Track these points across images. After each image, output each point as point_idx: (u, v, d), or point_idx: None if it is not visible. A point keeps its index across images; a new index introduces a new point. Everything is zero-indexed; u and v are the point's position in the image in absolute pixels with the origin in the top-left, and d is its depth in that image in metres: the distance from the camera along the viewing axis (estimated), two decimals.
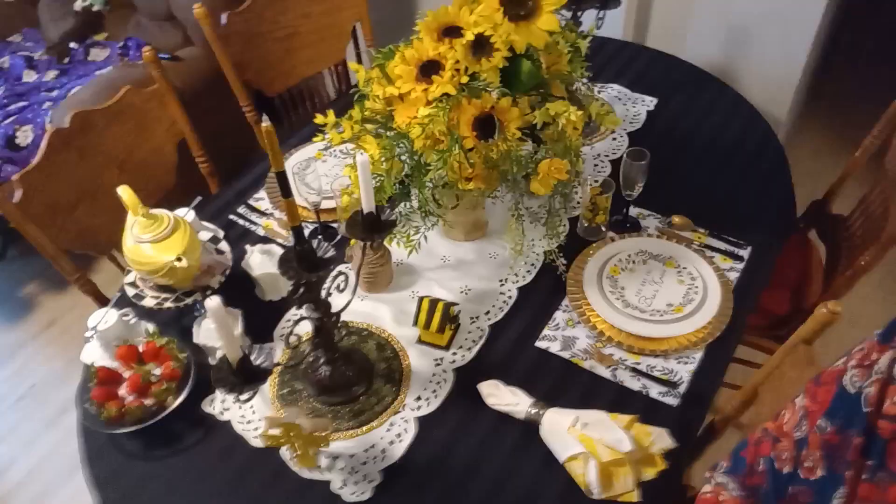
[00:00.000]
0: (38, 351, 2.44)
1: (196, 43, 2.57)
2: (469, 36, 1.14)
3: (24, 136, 2.27)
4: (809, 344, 1.01)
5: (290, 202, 0.99)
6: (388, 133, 1.28)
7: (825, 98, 2.91)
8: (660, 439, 1.14)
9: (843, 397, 0.78)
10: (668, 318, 1.30)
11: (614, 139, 1.74)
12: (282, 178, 0.96)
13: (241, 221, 1.61)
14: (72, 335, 2.48)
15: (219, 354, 1.12)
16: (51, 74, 2.59)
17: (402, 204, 1.35)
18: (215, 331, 1.25)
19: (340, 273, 1.22)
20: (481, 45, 1.15)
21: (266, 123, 0.92)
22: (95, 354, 1.29)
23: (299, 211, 1.57)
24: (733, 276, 1.39)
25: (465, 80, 1.17)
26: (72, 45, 2.65)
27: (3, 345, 2.47)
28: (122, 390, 1.23)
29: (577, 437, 1.13)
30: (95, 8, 2.68)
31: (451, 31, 1.20)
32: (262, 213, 1.63)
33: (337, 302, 1.17)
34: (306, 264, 1.06)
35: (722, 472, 0.96)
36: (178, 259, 1.21)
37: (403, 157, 1.24)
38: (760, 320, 1.64)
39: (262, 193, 1.68)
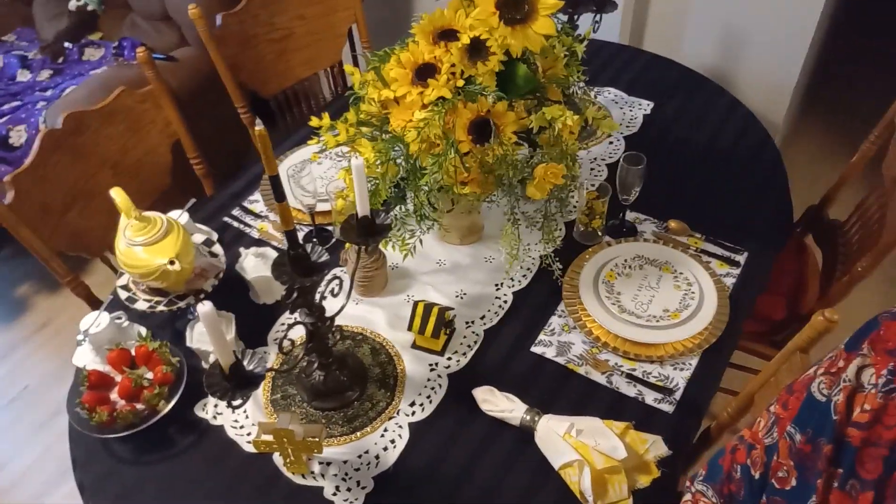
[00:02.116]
0: (31, 352, 2.43)
1: (191, 43, 2.56)
2: (465, 40, 1.13)
3: (18, 136, 2.25)
4: (806, 352, 1.00)
5: (283, 206, 0.98)
6: (383, 136, 1.28)
7: (822, 102, 2.91)
8: (655, 447, 1.14)
9: (811, 405, 0.79)
10: (664, 324, 1.30)
11: (611, 143, 1.73)
12: (275, 182, 0.95)
13: (235, 224, 1.60)
14: (65, 337, 2.47)
15: (212, 359, 1.11)
16: (45, 74, 2.57)
17: (398, 207, 1.35)
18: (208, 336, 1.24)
19: (335, 277, 1.21)
20: (477, 49, 1.15)
21: (259, 127, 0.91)
22: (87, 358, 1.28)
23: (294, 213, 1.57)
24: (729, 281, 1.39)
25: (460, 83, 1.16)
26: (66, 44, 2.63)
27: None
28: (114, 395, 1.22)
29: (572, 444, 1.12)
30: (90, 7, 2.66)
31: (446, 35, 1.19)
32: (257, 216, 1.62)
33: (331, 306, 1.16)
34: (300, 269, 1.05)
35: (700, 481, 0.96)
36: (171, 262, 1.20)
37: (399, 161, 1.23)
38: (757, 326, 1.64)
39: (256, 196, 1.67)
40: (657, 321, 1.30)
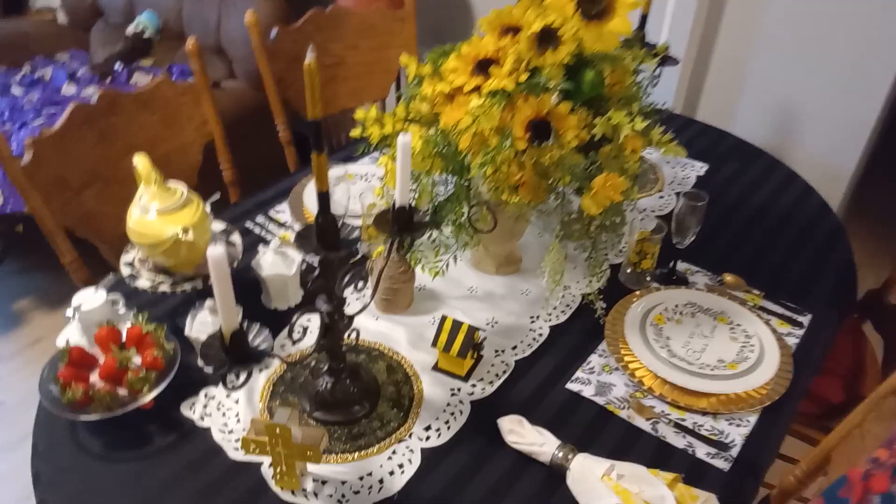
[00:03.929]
0: (16, 369, 2.28)
1: (239, 76, 2.57)
2: (536, 26, 1.06)
3: None
4: None
5: (321, 159, 0.88)
6: (431, 136, 1.19)
7: (879, 186, 2.78)
8: None
9: None
10: (720, 374, 1.15)
11: (661, 197, 1.64)
12: (317, 128, 0.86)
13: (257, 230, 1.50)
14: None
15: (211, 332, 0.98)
16: (90, 90, 2.57)
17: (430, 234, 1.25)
18: (209, 322, 1.12)
19: (361, 272, 1.09)
20: (547, 38, 1.07)
21: (309, 59, 0.82)
22: (73, 337, 1.15)
23: None
24: (792, 341, 1.24)
25: (524, 77, 1.09)
26: (116, 66, 2.65)
27: None
28: (94, 377, 1.08)
29: (612, 487, 0.95)
30: (147, 34, 2.70)
31: (513, 31, 1.13)
32: (281, 225, 1.52)
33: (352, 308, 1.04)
34: (327, 243, 0.94)
35: None
36: (185, 231, 1.09)
37: (444, 150, 1.14)
38: (811, 407, 1.47)
39: (283, 206, 1.58)
40: (711, 370, 1.16)
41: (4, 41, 2.78)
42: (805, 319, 1.29)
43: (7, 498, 1.92)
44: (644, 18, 1.54)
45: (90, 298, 1.16)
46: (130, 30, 2.71)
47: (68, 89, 2.56)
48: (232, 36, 2.54)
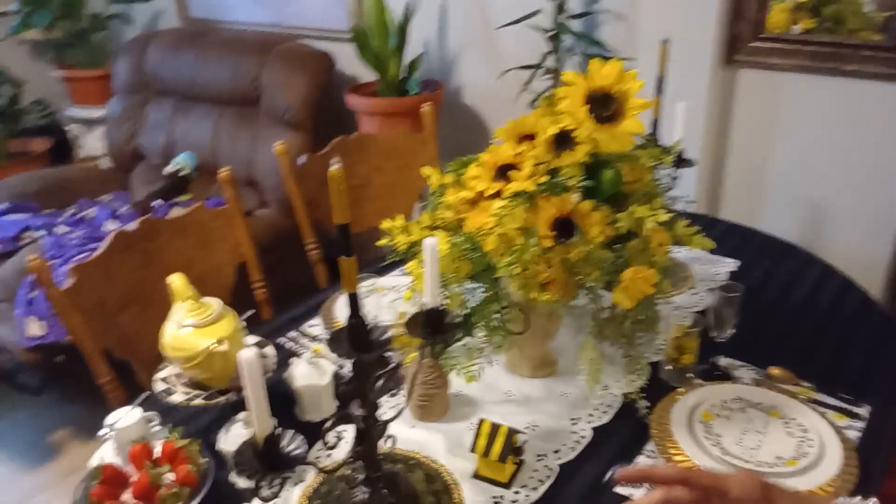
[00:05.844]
0: (54, 499, 2.24)
1: (271, 205, 2.67)
2: (551, 130, 1.10)
3: None
4: None
5: (348, 262, 0.90)
6: (457, 239, 1.21)
7: None
8: None
9: None
10: (780, 472, 1.08)
11: (694, 293, 1.62)
12: (344, 231, 0.88)
13: (290, 345, 1.51)
14: None
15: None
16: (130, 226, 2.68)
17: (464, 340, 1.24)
18: (242, 435, 1.10)
19: (394, 374, 1.08)
20: (563, 141, 1.11)
21: (334, 167, 0.86)
22: (108, 457, 1.14)
23: None
24: (853, 434, 1.17)
25: (544, 179, 1.12)
26: (155, 202, 2.78)
27: (20, 489, 2.29)
28: (126, 495, 1.05)
29: None
30: (183, 172, 2.85)
31: (530, 138, 1.18)
32: (314, 339, 1.52)
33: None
34: (358, 343, 0.94)
35: None
36: (219, 342, 1.09)
37: (472, 255, 1.15)
38: None
39: (315, 321, 1.59)
40: (770, 468, 1.09)
41: (52, 187, 2.95)
42: (863, 411, 1.23)
43: None
44: (655, 123, 1.59)
45: (125, 416, 1.15)
46: (169, 169, 2.86)
47: (110, 226, 2.68)
48: (263, 169, 2.67)
